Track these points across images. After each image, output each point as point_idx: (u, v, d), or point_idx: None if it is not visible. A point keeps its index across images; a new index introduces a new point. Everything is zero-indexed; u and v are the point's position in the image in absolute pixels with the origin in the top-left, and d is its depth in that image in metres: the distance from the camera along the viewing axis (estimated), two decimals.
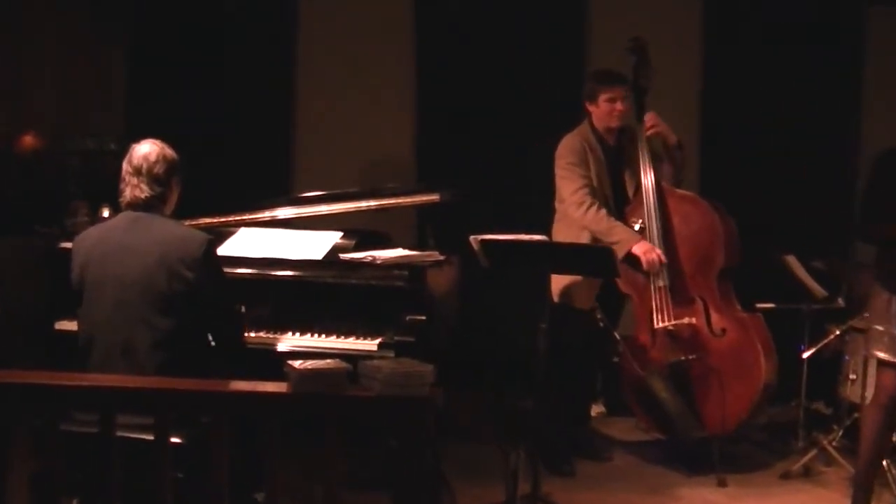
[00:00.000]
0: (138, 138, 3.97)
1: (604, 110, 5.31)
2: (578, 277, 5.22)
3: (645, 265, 5.17)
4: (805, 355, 5.48)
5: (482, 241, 4.65)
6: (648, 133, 5.30)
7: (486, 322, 6.13)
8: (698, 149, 6.53)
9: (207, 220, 4.95)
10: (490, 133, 6.56)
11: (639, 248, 5.16)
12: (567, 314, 5.21)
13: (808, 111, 6.46)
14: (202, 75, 6.65)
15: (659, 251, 5.18)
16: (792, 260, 5.57)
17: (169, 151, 3.92)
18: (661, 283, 5.22)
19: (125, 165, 3.90)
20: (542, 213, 5.49)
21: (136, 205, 3.88)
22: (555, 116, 5.74)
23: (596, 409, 6.12)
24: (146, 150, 3.90)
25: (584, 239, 5.23)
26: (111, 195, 4.14)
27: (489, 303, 6.08)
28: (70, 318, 4.25)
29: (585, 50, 6.66)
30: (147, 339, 3.75)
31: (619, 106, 5.29)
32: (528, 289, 4.82)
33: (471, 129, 6.60)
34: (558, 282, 5.20)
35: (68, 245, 4.15)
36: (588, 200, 5.23)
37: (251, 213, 5.07)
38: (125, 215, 3.92)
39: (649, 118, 5.31)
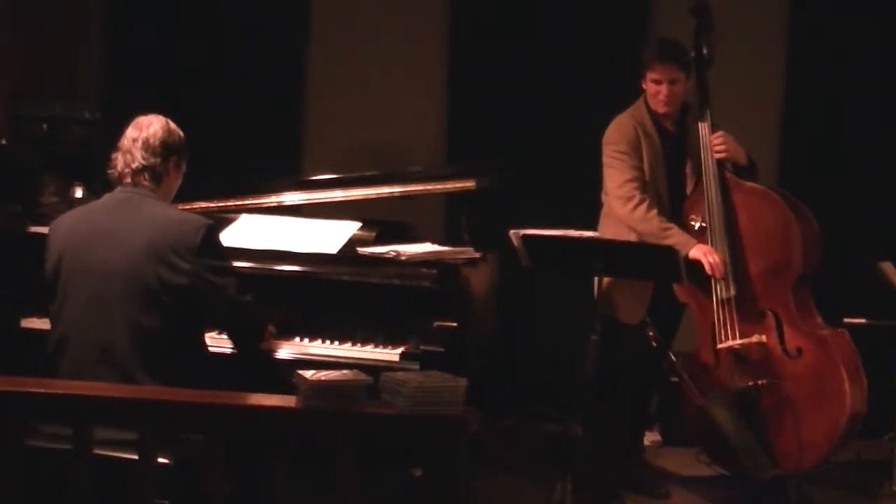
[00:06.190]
0: (117, 104, 4.00)
1: (649, 91, 5.27)
2: (623, 287, 5.16)
3: (707, 268, 5.08)
4: None
5: (524, 236, 4.64)
6: (717, 157, 5.19)
7: (528, 331, 6.10)
8: (779, 135, 6.52)
9: (203, 205, 4.99)
10: (536, 108, 6.52)
11: (698, 251, 5.07)
12: (618, 326, 5.16)
13: None
14: (197, 33, 6.66)
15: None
16: (888, 267, 5.55)
17: (174, 127, 4.06)
18: (724, 295, 5.14)
19: (124, 136, 4.00)
20: (596, 205, 5.43)
21: (124, 176, 3.95)
22: (613, 89, 5.69)
23: (650, 438, 6.11)
24: (149, 120, 4.02)
25: (635, 237, 5.17)
26: (82, 173, 4.13)
27: (531, 309, 6.07)
28: (41, 315, 4.29)
29: (650, 9, 6.61)
30: (130, 340, 3.77)
31: (664, 90, 5.21)
32: (577, 294, 4.81)
33: (513, 104, 6.55)
34: (601, 290, 5.08)
35: (40, 230, 4.16)
36: (637, 196, 5.16)
37: (254, 198, 5.10)
38: (112, 196, 3.97)
39: (717, 138, 5.20)
